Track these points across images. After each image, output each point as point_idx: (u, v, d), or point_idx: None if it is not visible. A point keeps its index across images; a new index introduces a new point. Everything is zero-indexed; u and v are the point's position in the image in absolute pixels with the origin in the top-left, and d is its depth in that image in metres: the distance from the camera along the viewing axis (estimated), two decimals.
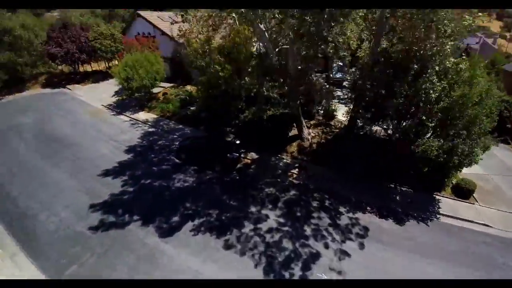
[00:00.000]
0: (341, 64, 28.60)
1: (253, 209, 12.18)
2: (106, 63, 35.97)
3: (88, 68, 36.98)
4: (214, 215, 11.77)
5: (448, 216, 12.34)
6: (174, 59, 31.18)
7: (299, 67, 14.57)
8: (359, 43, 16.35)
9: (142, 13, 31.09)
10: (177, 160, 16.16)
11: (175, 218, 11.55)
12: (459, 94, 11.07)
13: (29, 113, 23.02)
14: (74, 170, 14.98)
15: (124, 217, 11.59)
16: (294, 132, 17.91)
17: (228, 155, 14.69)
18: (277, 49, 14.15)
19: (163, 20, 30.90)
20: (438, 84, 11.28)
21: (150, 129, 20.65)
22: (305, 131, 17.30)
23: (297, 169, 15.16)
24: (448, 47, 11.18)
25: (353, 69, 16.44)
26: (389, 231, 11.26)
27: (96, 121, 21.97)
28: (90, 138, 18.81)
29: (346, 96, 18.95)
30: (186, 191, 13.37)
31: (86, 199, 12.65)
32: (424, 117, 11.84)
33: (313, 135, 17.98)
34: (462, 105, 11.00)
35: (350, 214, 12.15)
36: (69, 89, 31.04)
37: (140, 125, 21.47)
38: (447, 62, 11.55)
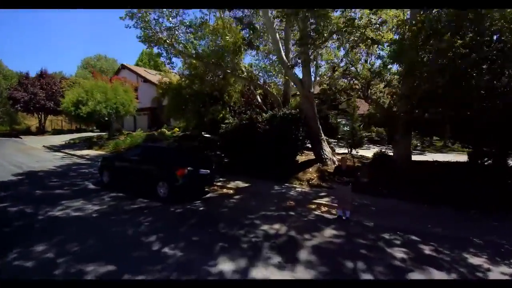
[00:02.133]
0: (346, 121, 25.29)
1: (223, 265, 4.04)
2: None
3: (58, 127, 32.32)
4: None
5: None
6: (153, 108, 27.01)
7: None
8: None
9: (127, 65, 29.17)
10: (92, 186, 8.49)
11: None
12: None
13: None
14: None
15: None
16: (304, 158, 11.06)
17: (188, 168, 7.25)
18: None
19: (149, 73, 28.84)
20: None
21: (83, 161, 13.47)
22: (327, 149, 10.46)
23: (326, 198, 7.48)
24: None
25: None
26: None
27: (15, 153, 15.43)
28: None
29: None
30: (60, 223, 5.37)
31: None
32: None
33: (339, 157, 11.01)
34: None
35: (506, 268, 4.11)
36: (20, 137, 25.31)
37: (74, 158, 14.42)
38: None
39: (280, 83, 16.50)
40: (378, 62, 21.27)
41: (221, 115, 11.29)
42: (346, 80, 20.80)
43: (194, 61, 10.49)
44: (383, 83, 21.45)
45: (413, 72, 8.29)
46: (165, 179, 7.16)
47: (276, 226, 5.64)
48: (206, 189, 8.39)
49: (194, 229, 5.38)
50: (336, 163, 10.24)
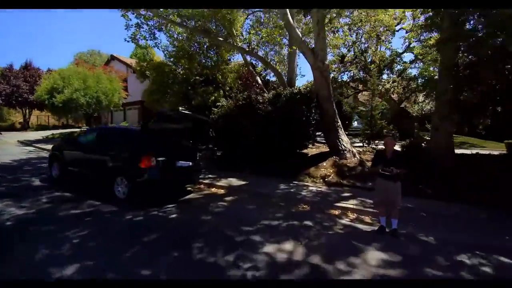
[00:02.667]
0: (359, 117, 23.62)
1: None
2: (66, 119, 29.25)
3: (45, 123, 30.23)
4: None
5: None
6: (143, 102, 24.96)
7: None
8: None
9: (116, 55, 27.17)
10: (38, 183, 6.39)
11: None
12: None
13: None
14: None
15: None
16: (315, 150, 8.97)
17: (158, 158, 5.12)
18: None
19: None
20: None
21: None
22: (344, 138, 8.34)
23: (352, 200, 5.37)
24: None
25: None
26: None
27: None
28: None
29: None
30: None
31: None
32: None
33: (359, 150, 8.93)
34: None
35: None
36: (1, 133, 23.24)
37: (42, 153, 12.39)
38: None
39: (284, 74, 14.55)
40: (389, 53, 19.09)
41: (213, 97, 9.17)
42: (356, 70, 18.74)
43: (179, 29, 8.38)
44: (394, 75, 19.22)
45: (458, 35, 6.26)
46: (124, 173, 5.04)
47: (287, 245, 3.51)
48: (189, 188, 6.30)
49: (151, 251, 3.26)
50: (357, 155, 8.13)
